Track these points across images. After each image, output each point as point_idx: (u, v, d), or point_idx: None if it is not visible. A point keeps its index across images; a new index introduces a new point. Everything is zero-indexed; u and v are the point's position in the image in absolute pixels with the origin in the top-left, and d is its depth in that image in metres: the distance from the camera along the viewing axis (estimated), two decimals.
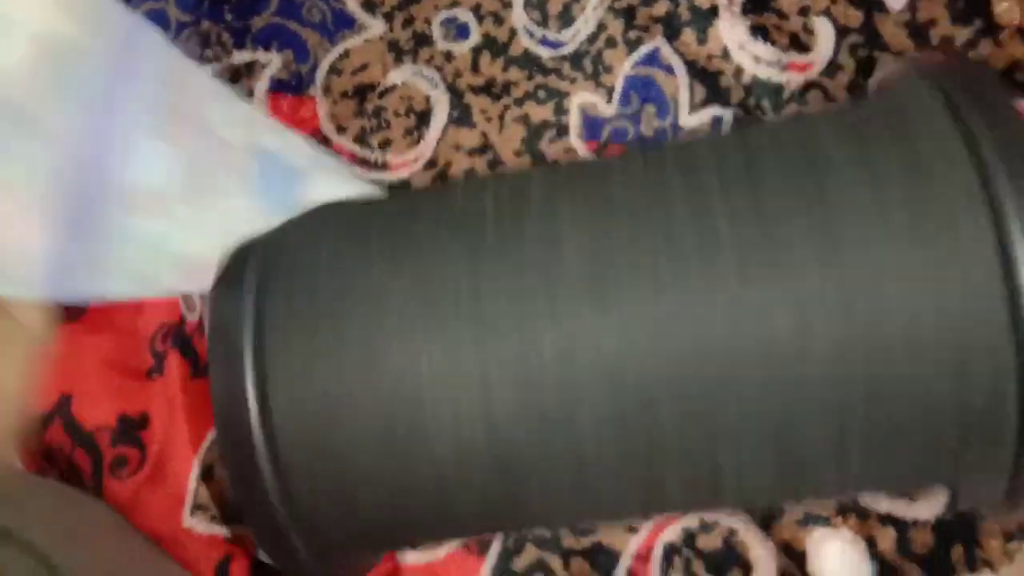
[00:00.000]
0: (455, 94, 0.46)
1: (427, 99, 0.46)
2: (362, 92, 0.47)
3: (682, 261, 0.26)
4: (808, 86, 0.42)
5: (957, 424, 0.25)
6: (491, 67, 0.46)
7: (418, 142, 0.45)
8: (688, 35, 0.44)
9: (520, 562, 0.39)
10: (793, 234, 0.25)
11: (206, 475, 0.41)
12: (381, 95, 0.46)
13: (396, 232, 0.30)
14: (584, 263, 0.27)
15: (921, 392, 0.25)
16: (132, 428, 0.42)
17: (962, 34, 0.42)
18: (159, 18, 0.48)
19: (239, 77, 0.47)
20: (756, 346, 0.25)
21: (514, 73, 0.46)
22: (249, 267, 0.29)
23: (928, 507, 0.37)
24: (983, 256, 0.24)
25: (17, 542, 0.31)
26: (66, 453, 0.43)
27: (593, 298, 0.26)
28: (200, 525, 0.41)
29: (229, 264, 0.30)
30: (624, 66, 0.45)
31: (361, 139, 0.46)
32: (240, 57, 0.47)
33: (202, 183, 0.30)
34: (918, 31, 0.43)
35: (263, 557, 0.35)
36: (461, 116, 0.45)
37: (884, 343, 0.25)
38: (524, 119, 0.45)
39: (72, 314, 0.46)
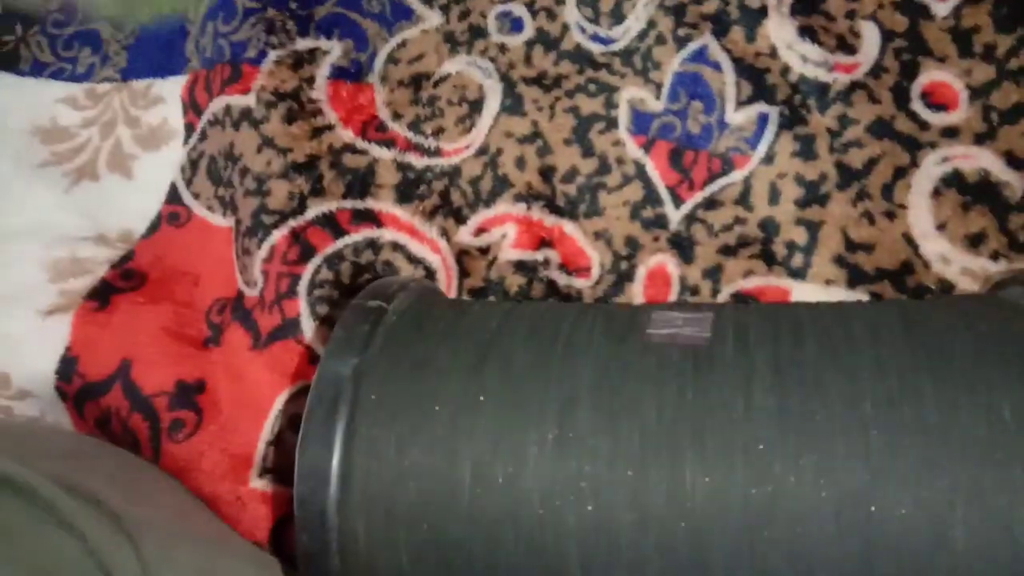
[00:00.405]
0: (508, 84, 0.47)
1: (480, 87, 0.47)
2: (418, 81, 0.48)
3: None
4: (853, 86, 0.44)
5: None
6: (543, 60, 0.48)
7: (470, 130, 0.47)
8: (737, 33, 0.45)
9: None
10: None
11: (275, 440, 0.43)
12: (436, 84, 0.48)
13: (493, 349, 0.33)
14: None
15: None
16: (189, 392, 0.44)
17: (1005, 42, 0.43)
18: (227, 4, 0.50)
19: (301, 63, 0.48)
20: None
21: (565, 67, 0.47)
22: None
23: None
24: None
25: (84, 494, 0.33)
26: (123, 417, 0.44)
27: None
28: (266, 487, 0.42)
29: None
30: (673, 63, 0.46)
31: (415, 126, 0.47)
32: (303, 44, 0.49)
33: None
34: (961, 38, 0.44)
35: None
36: (513, 105, 0.47)
37: None
38: (574, 110, 0.46)
39: (134, 284, 0.48)
